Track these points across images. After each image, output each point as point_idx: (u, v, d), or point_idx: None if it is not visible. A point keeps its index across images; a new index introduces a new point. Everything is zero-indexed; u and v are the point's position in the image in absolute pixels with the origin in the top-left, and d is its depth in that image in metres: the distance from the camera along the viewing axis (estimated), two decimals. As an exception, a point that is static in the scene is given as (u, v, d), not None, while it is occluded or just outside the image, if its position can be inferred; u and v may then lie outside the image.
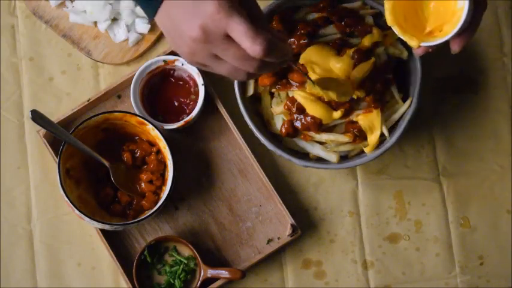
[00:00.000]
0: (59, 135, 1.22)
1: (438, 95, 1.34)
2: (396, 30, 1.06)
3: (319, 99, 1.19)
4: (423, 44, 1.04)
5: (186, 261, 1.27)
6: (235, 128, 1.29)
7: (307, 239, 1.32)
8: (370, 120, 1.20)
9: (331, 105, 1.19)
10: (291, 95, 1.21)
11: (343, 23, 1.21)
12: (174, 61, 1.28)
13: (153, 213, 1.22)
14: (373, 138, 1.21)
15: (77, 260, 1.31)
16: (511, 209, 1.33)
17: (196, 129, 1.32)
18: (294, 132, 1.21)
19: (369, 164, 1.32)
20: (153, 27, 1.33)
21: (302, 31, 1.21)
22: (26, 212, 1.31)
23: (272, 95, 1.25)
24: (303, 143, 1.23)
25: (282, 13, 1.23)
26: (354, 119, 1.20)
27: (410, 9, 1.06)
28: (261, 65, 0.94)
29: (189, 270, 1.27)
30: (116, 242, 1.29)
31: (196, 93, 1.29)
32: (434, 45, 1.04)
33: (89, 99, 1.31)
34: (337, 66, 1.18)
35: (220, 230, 1.31)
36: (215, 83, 1.31)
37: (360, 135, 1.20)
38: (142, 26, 1.32)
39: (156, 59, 1.28)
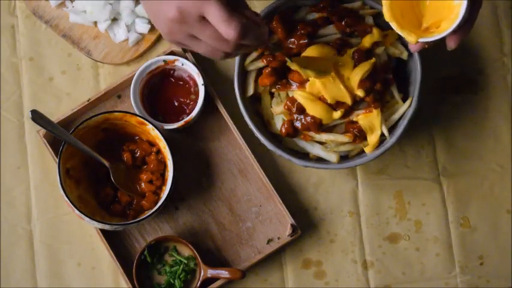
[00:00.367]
0: (59, 135, 1.22)
1: (438, 95, 1.34)
2: (394, 26, 1.06)
3: (320, 99, 1.19)
4: (420, 40, 1.05)
5: (186, 261, 1.27)
6: (235, 128, 1.29)
7: (307, 239, 1.32)
8: (370, 120, 1.20)
9: (332, 106, 1.19)
10: (291, 95, 1.21)
11: (343, 23, 1.21)
12: (174, 61, 1.28)
13: (153, 213, 1.22)
14: (373, 138, 1.21)
15: (77, 260, 1.31)
16: (511, 209, 1.33)
17: (196, 129, 1.32)
18: (294, 132, 1.21)
19: (369, 164, 1.32)
20: (153, 27, 1.33)
21: (302, 31, 1.21)
22: (26, 212, 1.31)
23: (272, 95, 1.25)
24: (303, 143, 1.23)
25: (282, 13, 1.23)
26: (354, 119, 1.20)
27: (407, 5, 1.07)
28: (236, 47, 0.97)
29: (189, 270, 1.27)
30: (116, 242, 1.29)
31: (196, 93, 1.29)
32: (431, 41, 1.05)
33: (89, 99, 1.31)
34: (338, 66, 1.18)
35: (220, 230, 1.31)
36: (215, 83, 1.31)
37: (360, 135, 1.20)
38: (142, 26, 1.32)
39: (156, 59, 1.28)
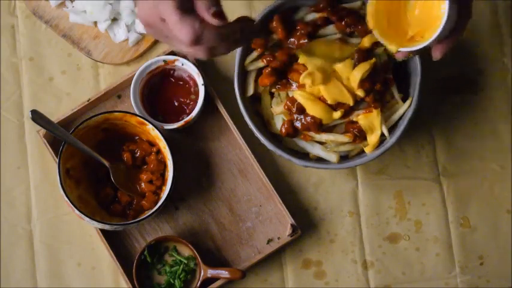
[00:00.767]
0: (59, 135, 1.22)
1: (438, 95, 1.34)
2: (377, 34, 1.08)
3: (319, 99, 1.19)
4: (402, 49, 1.06)
5: (186, 261, 1.27)
6: (235, 128, 1.29)
7: (307, 239, 1.32)
8: (370, 120, 1.20)
9: (331, 106, 1.19)
10: (291, 95, 1.21)
11: (343, 23, 1.21)
12: (174, 61, 1.28)
13: (153, 213, 1.22)
14: (373, 138, 1.21)
15: (77, 260, 1.31)
16: (511, 209, 1.33)
17: (196, 129, 1.32)
18: (294, 132, 1.21)
19: (369, 164, 1.32)
20: (153, 27, 1.33)
21: (302, 31, 1.21)
22: (26, 212, 1.31)
23: (272, 95, 1.25)
24: (303, 143, 1.23)
25: (282, 13, 1.23)
26: (354, 119, 1.20)
27: (393, 14, 1.07)
28: (199, 49, 0.92)
29: (189, 270, 1.27)
30: (116, 242, 1.29)
31: (196, 93, 1.29)
32: (414, 51, 1.05)
33: (89, 99, 1.31)
34: (338, 66, 1.18)
35: (220, 230, 1.31)
36: (215, 83, 1.31)
37: (360, 135, 1.20)
38: (142, 26, 1.32)
39: (156, 59, 1.28)
